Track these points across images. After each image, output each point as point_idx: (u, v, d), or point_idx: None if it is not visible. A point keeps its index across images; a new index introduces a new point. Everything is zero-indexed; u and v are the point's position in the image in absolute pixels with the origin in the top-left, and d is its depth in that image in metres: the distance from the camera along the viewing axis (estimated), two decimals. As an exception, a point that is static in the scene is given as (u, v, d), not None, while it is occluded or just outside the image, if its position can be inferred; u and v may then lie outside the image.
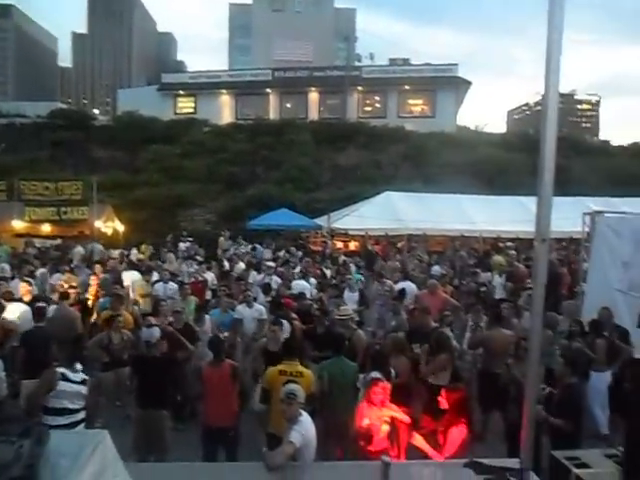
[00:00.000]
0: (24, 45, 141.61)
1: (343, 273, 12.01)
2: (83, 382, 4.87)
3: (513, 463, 3.38)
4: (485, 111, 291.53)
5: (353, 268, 12.99)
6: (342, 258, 15.25)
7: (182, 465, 3.79)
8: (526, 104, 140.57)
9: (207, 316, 8.09)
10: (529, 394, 3.27)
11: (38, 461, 1.95)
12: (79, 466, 2.10)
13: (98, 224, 18.58)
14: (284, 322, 7.11)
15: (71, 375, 4.76)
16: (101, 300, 9.39)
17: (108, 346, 6.98)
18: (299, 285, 10.27)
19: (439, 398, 4.66)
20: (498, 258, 14.23)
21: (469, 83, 40.89)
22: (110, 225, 20.17)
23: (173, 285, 10.34)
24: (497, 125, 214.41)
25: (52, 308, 8.04)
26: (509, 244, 16.43)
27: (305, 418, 4.16)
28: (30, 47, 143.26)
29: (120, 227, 20.64)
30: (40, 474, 1.91)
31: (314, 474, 3.65)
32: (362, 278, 11.90)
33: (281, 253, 16.43)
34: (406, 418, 4.85)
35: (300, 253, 16.30)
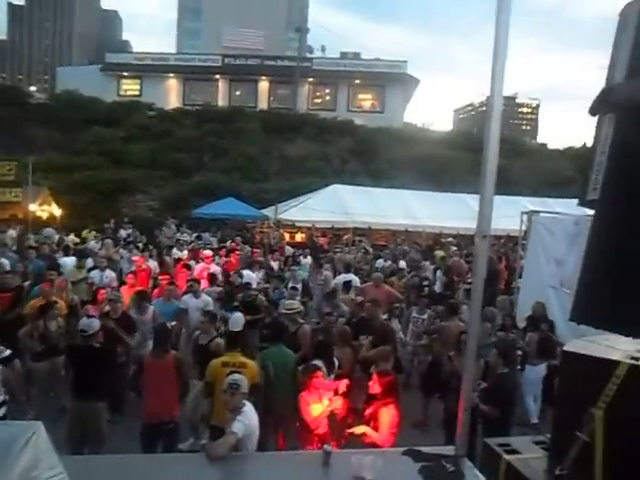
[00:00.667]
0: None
1: (290, 264, 12.01)
2: None
3: (449, 450, 3.52)
4: (432, 109, 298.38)
5: (309, 261, 13.08)
6: (289, 250, 15.25)
7: (119, 457, 3.69)
8: (471, 104, 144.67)
9: (151, 305, 7.88)
10: (466, 383, 3.40)
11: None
12: (11, 458, 2.02)
13: (33, 207, 17.72)
14: (237, 314, 7.10)
15: None
16: (36, 288, 8.95)
17: (44, 334, 6.68)
18: (246, 275, 10.18)
19: (369, 383, 4.79)
20: (440, 253, 14.66)
21: (417, 81, 41.69)
22: (46, 209, 19.29)
23: (110, 273, 10.03)
24: (443, 123, 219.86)
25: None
26: (450, 239, 16.97)
27: (248, 408, 4.15)
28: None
29: (57, 211, 19.77)
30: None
31: (256, 464, 3.65)
32: (306, 274, 11.89)
33: (227, 243, 16.25)
34: (338, 404, 4.95)
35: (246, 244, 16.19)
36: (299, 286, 9.90)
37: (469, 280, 9.74)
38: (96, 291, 8.76)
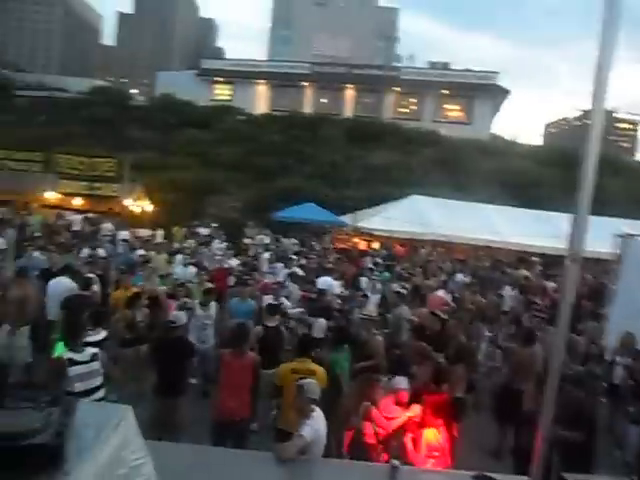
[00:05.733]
0: (70, 21, 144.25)
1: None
2: (93, 358, 4.30)
3: (523, 480, 3.36)
4: (520, 121, 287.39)
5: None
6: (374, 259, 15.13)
7: (196, 447, 3.86)
8: (564, 119, 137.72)
9: (213, 302, 8.22)
10: (546, 412, 3.24)
11: (66, 430, 2.00)
12: (103, 438, 2.16)
13: (127, 202, 18.92)
14: (322, 320, 7.26)
15: (78, 357, 4.21)
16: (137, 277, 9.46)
17: (132, 323, 7.11)
18: (326, 281, 10.17)
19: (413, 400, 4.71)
20: (523, 272, 14.06)
21: (507, 92, 40.34)
22: (139, 204, 20.51)
23: (192, 269, 10.54)
24: (531, 137, 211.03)
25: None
26: (535, 259, 16.19)
27: (318, 414, 4.19)
28: (76, 24, 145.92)
29: (149, 207, 20.96)
30: (67, 443, 1.97)
31: (322, 470, 3.68)
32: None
33: (304, 248, 16.52)
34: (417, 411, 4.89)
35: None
36: (376, 297, 9.82)
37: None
38: (176, 286, 9.21)
